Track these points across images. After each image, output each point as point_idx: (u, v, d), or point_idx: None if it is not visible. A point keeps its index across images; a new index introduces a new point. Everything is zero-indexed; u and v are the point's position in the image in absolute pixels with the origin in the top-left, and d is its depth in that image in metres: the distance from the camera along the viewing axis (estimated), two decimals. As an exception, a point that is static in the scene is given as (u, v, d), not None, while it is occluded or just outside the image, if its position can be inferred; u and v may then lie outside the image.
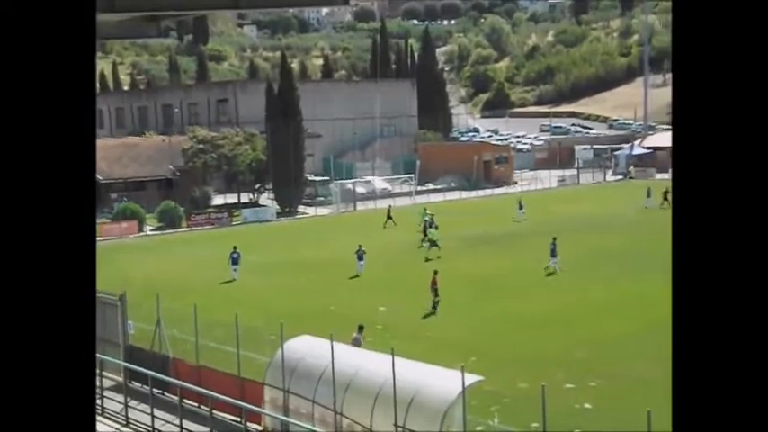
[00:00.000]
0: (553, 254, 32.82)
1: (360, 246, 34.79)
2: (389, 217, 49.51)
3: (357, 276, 33.95)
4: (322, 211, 60.70)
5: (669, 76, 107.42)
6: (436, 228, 39.33)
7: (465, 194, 66.77)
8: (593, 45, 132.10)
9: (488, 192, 68.20)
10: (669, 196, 50.20)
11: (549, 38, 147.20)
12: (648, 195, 52.88)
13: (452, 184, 70.62)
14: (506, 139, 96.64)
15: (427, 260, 36.13)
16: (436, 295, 27.08)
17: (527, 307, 27.18)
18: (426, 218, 43.25)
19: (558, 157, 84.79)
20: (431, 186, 70.13)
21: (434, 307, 27.01)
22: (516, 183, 74.37)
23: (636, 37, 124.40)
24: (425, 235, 41.36)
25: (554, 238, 33.31)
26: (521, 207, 49.73)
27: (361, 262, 34.43)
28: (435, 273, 27.62)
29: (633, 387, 18.74)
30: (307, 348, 17.77)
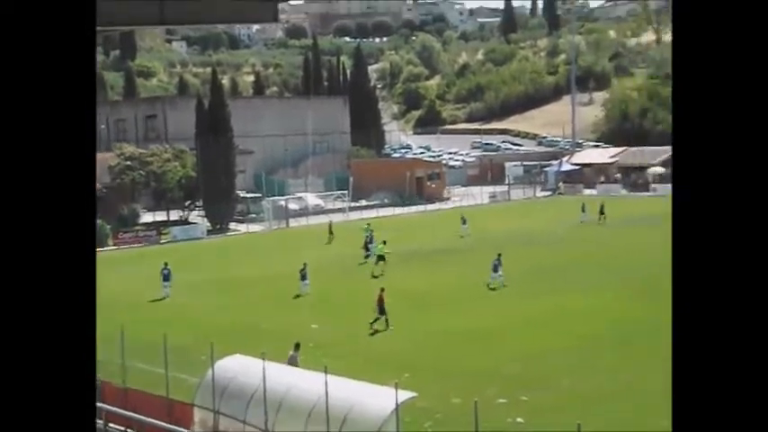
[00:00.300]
0: (496, 269, 32.95)
1: (304, 264, 33.66)
2: (331, 232, 49.40)
3: (300, 296, 32.85)
4: (254, 228, 60.04)
5: (595, 94, 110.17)
6: (384, 243, 38.91)
7: (398, 210, 67.01)
8: (521, 63, 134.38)
9: (421, 208, 68.61)
10: (605, 210, 51.68)
11: (479, 56, 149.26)
12: (583, 210, 53.87)
13: (386, 201, 70.84)
14: (438, 156, 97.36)
15: (374, 276, 35.56)
16: (382, 312, 26.68)
17: (464, 322, 27.24)
18: (367, 234, 43.15)
19: (490, 173, 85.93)
20: (364, 203, 70.21)
21: (376, 324, 26.63)
22: (449, 199, 75.09)
23: (563, 56, 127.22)
24: (367, 251, 41.24)
25: (499, 255, 33.48)
26: (464, 222, 50.12)
27: (306, 281, 33.11)
28: (382, 290, 27.22)
29: (564, 400, 18.94)
30: (238, 368, 17.44)
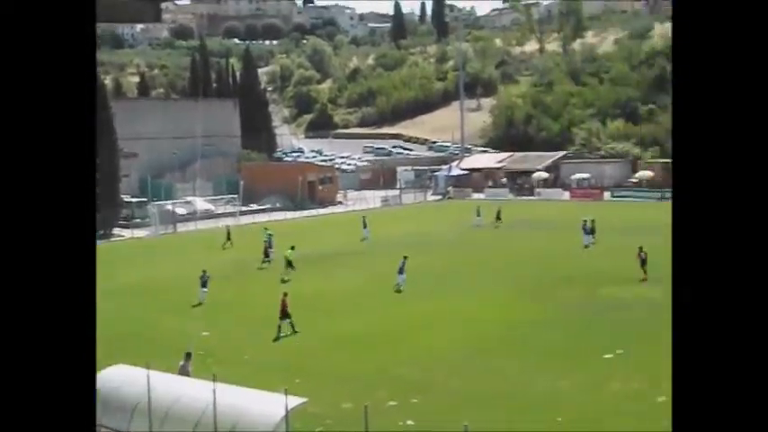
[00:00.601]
0: (401, 271, 33.12)
1: (204, 271, 32.45)
2: (229, 238, 48.41)
3: (200, 304, 31.58)
4: (139, 233, 58.25)
5: (483, 100, 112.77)
6: (292, 248, 38.26)
7: (290, 215, 66.51)
8: (411, 69, 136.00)
9: (314, 212, 68.35)
10: (502, 215, 52.83)
11: (370, 61, 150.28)
12: (478, 214, 54.81)
13: (277, 205, 70.20)
14: (331, 160, 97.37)
15: (284, 281, 34.78)
16: (285, 318, 26.25)
17: (362, 325, 27.17)
18: (266, 239, 42.58)
19: (382, 177, 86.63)
20: (255, 207, 69.33)
21: (281, 330, 26.20)
22: (341, 203, 75.16)
23: (451, 63, 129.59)
24: (266, 256, 40.72)
25: (405, 257, 33.62)
26: (365, 226, 50.04)
27: (205, 289, 31.85)
28: (285, 295, 26.78)
29: (455, 402, 19.19)
30: (122, 378, 16.82)
